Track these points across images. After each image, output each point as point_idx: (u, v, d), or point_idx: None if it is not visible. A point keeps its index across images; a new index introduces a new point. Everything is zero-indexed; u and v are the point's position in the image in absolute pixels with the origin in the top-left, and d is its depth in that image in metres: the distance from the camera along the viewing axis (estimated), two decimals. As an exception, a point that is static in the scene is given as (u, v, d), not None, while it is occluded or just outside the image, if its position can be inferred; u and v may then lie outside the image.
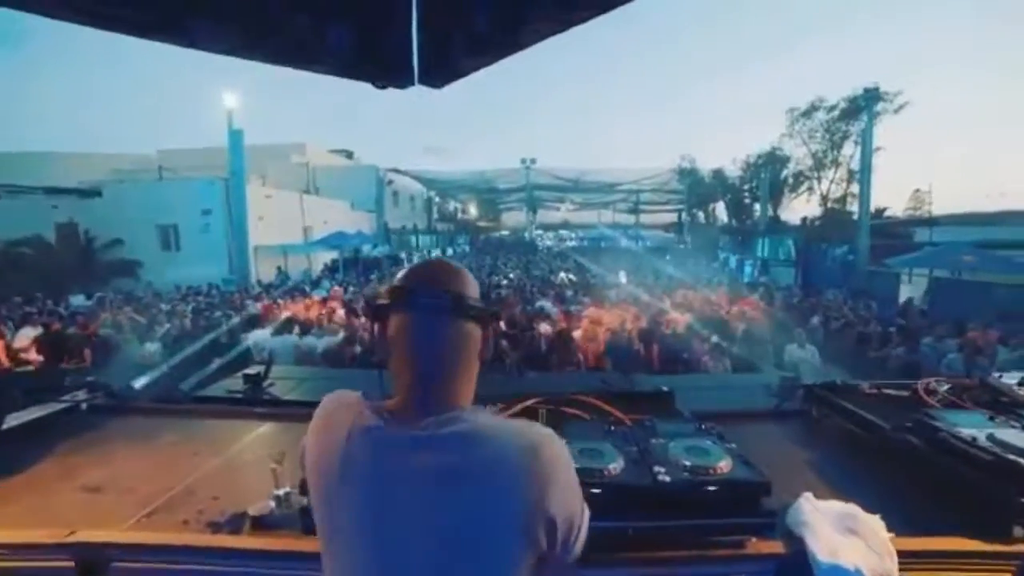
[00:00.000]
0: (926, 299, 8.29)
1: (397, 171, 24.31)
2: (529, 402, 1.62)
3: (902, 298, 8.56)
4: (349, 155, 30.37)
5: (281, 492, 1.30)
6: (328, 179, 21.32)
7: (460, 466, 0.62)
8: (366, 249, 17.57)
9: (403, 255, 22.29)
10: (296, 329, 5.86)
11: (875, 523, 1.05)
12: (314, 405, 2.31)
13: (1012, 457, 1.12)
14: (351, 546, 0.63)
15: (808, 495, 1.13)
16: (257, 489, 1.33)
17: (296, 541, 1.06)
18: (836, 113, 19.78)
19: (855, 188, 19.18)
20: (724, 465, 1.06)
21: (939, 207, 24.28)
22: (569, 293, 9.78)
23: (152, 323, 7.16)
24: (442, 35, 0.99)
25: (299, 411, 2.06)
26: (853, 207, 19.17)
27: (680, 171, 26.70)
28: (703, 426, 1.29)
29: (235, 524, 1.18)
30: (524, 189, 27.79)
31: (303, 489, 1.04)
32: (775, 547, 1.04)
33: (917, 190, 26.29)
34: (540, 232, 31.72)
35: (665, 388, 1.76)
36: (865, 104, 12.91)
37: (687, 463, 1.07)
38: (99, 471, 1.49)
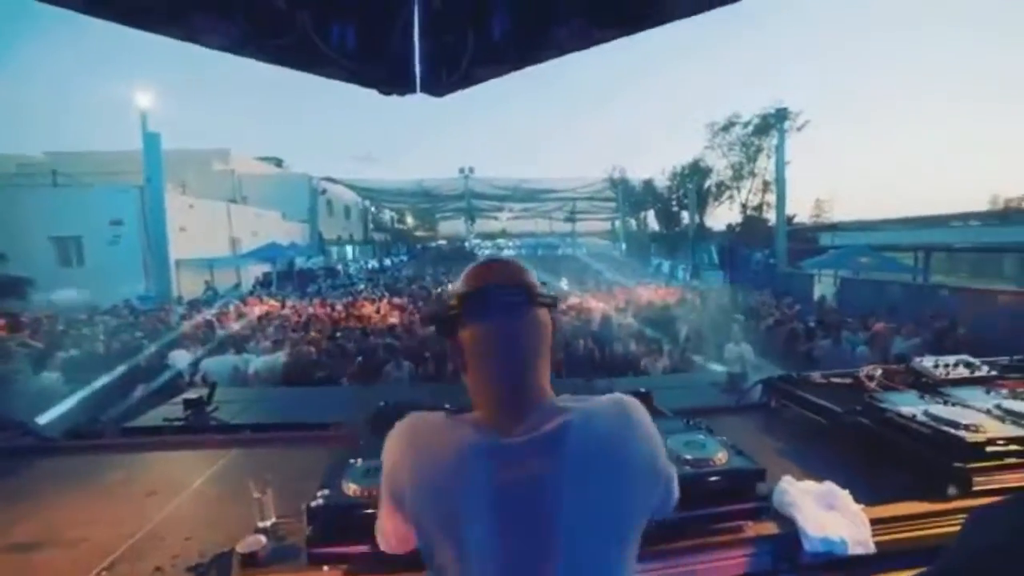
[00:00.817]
0: (835, 297, 9.44)
1: (331, 180, 23.32)
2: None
3: (816, 296, 9.64)
4: (278, 163, 28.67)
5: (268, 524, 1.21)
6: (256, 188, 19.92)
7: (579, 458, 0.62)
8: (300, 261, 16.60)
9: (339, 266, 21.37)
10: (232, 349, 5.42)
11: (847, 498, 1.18)
12: (276, 428, 2.15)
13: (945, 428, 1.31)
14: (484, 565, 0.60)
15: (788, 478, 1.24)
16: (237, 524, 1.22)
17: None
18: (750, 129, 21.92)
19: (769, 197, 21.31)
20: (721, 456, 1.14)
21: (838, 214, 27.44)
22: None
23: (51, 348, 6.26)
24: (445, 44, 0.99)
25: (262, 435, 1.92)
26: (768, 214, 21.26)
27: (612, 181, 28.00)
28: (691, 422, 1.37)
29: (222, 566, 1.07)
30: (463, 198, 27.80)
31: (312, 516, 0.97)
32: (769, 528, 1.12)
33: (818, 199, 29.62)
34: (478, 241, 31.75)
35: (643, 389, 1.85)
36: (776, 121, 14.53)
37: (688, 457, 1.13)
38: (30, 525, 1.28)
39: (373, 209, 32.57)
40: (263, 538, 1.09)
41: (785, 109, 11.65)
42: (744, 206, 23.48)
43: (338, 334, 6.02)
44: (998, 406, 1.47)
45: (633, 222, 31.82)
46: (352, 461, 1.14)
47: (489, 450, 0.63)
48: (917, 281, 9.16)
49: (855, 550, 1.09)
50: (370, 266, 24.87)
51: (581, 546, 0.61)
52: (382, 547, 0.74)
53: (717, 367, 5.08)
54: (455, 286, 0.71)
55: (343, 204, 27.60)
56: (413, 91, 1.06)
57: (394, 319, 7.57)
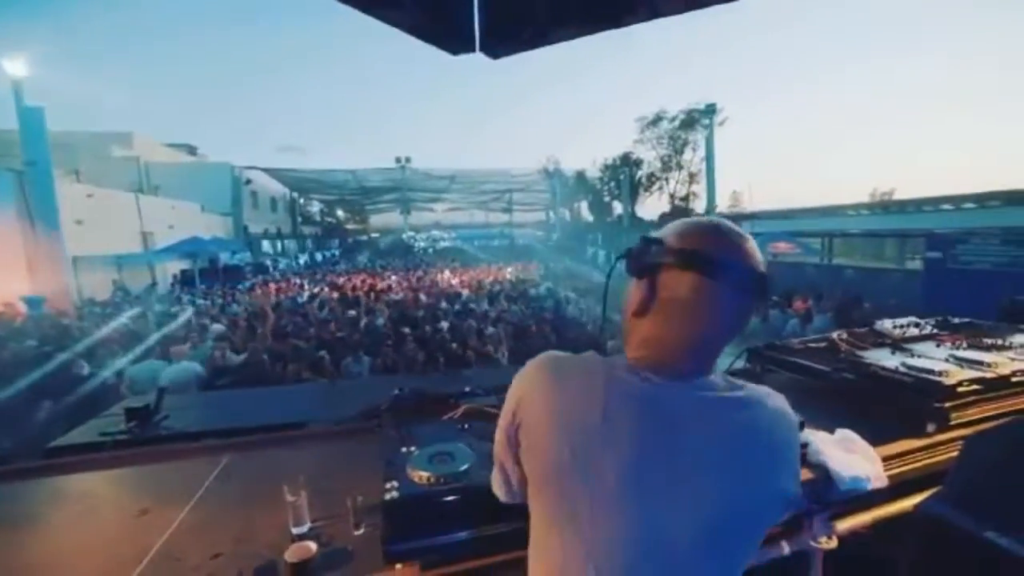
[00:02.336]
0: None
1: (256, 168, 21.40)
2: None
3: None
4: (191, 150, 25.72)
5: (305, 529, 1.10)
6: (169, 177, 17.53)
7: (732, 435, 0.61)
8: (225, 257, 15.09)
9: (268, 262, 19.86)
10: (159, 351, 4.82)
11: (861, 440, 1.31)
12: (263, 430, 1.96)
13: (924, 376, 1.50)
14: (617, 508, 0.58)
15: (807, 430, 1.36)
16: (268, 534, 1.11)
17: (395, 574, 0.90)
18: (676, 123, 23.36)
19: (695, 188, 22.94)
20: (762, 413, 1.21)
21: (750, 204, 29.95)
22: (467, 293, 9.80)
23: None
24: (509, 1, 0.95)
25: (253, 439, 1.73)
26: (694, 204, 22.89)
27: (546, 172, 28.48)
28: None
29: (270, 577, 0.96)
30: (399, 189, 26.93)
31: (388, 510, 0.90)
32: (805, 474, 1.22)
33: (735, 191, 32.19)
34: (412, 234, 30.95)
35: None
36: (701, 116, 15.66)
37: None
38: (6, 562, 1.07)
39: (301, 201, 30.52)
40: (313, 545, 1.00)
41: (714, 105, 12.54)
42: (672, 196, 25.05)
43: (288, 328, 5.59)
44: (952, 356, 1.71)
45: (567, 213, 32.58)
46: (405, 450, 1.07)
47: (646, 393, 0.61)
48: (825, 262, 10.42)
49: (875, 485, 1.22)
50: (301, 261, 23.35)
51: (710, 528, 0.59)
52: (502, 498, 0.71)
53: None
54: (676, 235, 0.65)
55: (269, 196, 25.45)
56: (472, 50, 0.99)
57: (351, 313, 7.18)
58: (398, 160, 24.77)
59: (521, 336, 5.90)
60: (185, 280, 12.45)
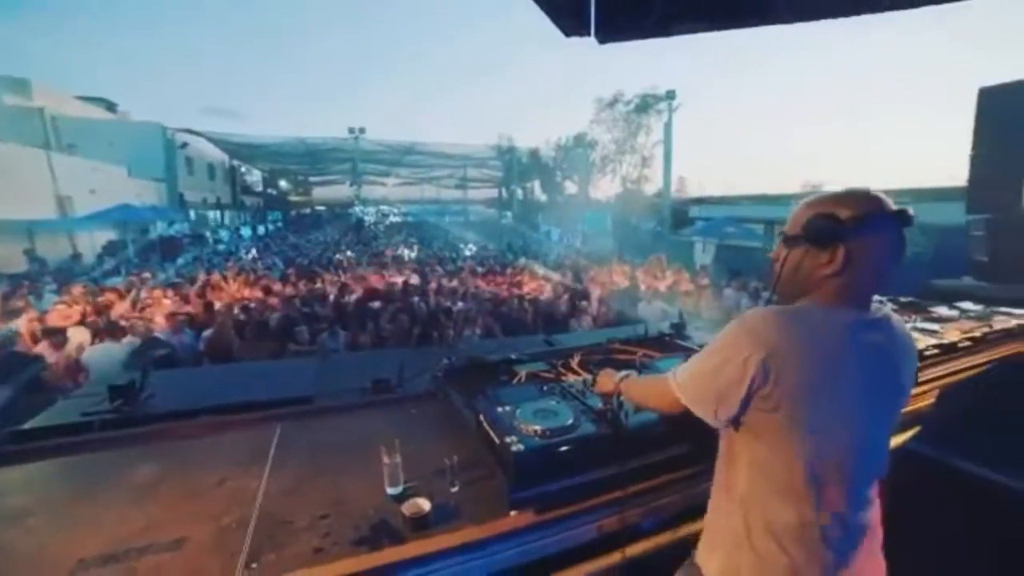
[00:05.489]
0: (710, 259, 11.28)
1: (192, 132, 19.34)
2: (578, 357, 1.76)
3: (696, 260, 11.36)
4: (110, 106, 22.74)
5: (400, 489, 1.17)
6: (87, 136, 15.28)
7: (902, 341, 0.87)
8: (161, 227, 13.73)
9: (207, 233, 18.37)
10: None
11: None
12: (296, 402, 1.92)
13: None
14: (851, 415, 0.80)
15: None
16: (364, 494, 1.16)
17: (512, 520, 1.01)
18: (632, 107, 23.77)
19: (647, 171, 23.70)
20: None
21: (695, 190, 31.39)
22: (443, 269, 9.73)
23: None
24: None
25: (299, 409, 1.72)
26: (645, 187, 23.68)
27: (499, 149, 28.01)
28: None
29: (388, 532, 1.03)
30: (351, 160, 25.59)
31: (516, 461, 0.98)
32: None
33: (680, 176, 33.46)
34: (360, 207, 29.66)
35: (667, 331, 2.11)
36: (654, 103, 16.07)
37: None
38: (104, 533, 1.06)
39: (242, 169, 28.21)
40: (426, 501, 1.07)
41: (673, 91, 12.95)
42: (624, 179, 25.71)
43: (252, 305, 5.32)
44: (913, 327, 2.04)
45: (519, 191, 32.35)
46: (501, 409, 1.17)
47: (862, 323, 0.83)
48: (765, 248, 11.35)
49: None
50: (243, 234, 21.79)
51: (894, 421, 0.88)
52: (711, 422, 0.87)
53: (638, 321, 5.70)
54: (844, 206, 0.82)
55: (206, 162, 23.22)
56: (587, 33, 1.04)
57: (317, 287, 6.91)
58: (351, 130, 23.42)
59: (496, 311, 6.00)
60: (115, 251, 11.17)
